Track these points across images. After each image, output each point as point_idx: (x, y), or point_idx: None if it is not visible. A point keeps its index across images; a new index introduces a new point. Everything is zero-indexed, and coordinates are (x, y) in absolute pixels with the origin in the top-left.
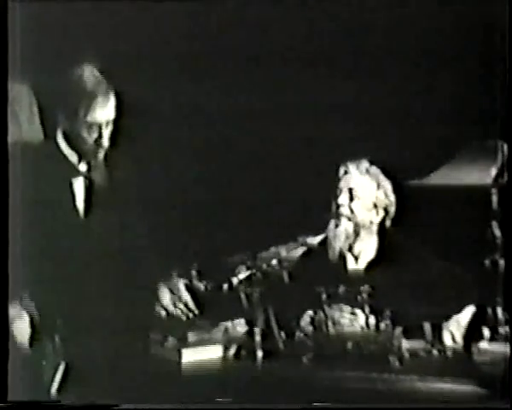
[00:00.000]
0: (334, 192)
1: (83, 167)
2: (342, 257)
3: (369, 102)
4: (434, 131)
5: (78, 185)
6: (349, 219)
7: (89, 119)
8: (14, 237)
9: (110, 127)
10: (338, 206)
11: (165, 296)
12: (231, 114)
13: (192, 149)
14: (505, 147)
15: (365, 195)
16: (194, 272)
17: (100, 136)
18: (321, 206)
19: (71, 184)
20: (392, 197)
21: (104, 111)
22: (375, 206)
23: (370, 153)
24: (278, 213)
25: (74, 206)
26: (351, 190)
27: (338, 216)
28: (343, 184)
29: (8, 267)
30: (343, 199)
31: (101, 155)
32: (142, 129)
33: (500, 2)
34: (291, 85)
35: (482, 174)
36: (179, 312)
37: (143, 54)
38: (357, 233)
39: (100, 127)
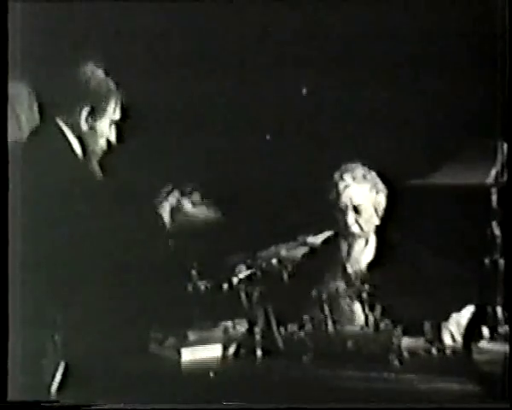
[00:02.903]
0: (329, 196)
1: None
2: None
3: (369, 102)
4: (434, 131)
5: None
6: (360, 236)
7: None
8: (13, 237)
9: (114, 127)
10: (346, 224)
11: None
12: (231, 115)
13: (192, 149)
14: (505, 147)
15: (367, 204)
16: (194, 272)
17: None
18: (322, 205)
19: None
20: (390, 197)
21: (109, 111)
22: (376, 210)
23: (370, 153)
24: (278, 213)
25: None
26: (355, 207)
27: (348, 235)
28: (345, 201)
29: (7, 267)
30: (351, 218)
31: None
32: (146, 128)
33: (500, 3)
34: (291, 86)
35: (482, 174)
36: None
37: (144, 53)
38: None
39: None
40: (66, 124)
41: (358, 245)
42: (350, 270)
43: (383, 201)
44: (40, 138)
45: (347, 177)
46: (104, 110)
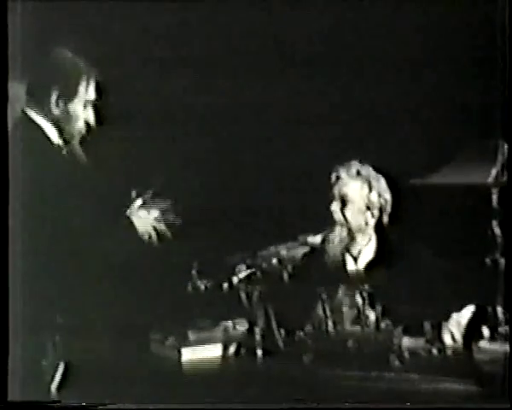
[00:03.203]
0: (328, 196)
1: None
2: (342, 258)
3: (369, 102)
4: (434, 131)
5: None
6: (342, 225)
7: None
8: (13, 236)
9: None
10: (330, 212)
11: None
12: (231, 115)
13: (191, 149)
14: (505, 147)
15: (357, 199)
16: (194, 271)
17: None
18: (322, 205)
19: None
20: (388, 195)
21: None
22: (368, 208)
23: (370, 153)
24: (278, 212)
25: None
26: (342, 197)
27: (331, 222)
28: (335, 191)
29: (8, 265)
30: (335, 206)
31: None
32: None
33: (500, 3)
34: (291, 86)
35: (482, 174)
36: None
37: (143, 54)
38: (352, 237)
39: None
40: (38, 112)
41: (337, 232)
42: (329, 257)
43: (376, 198)
44: (18, 132)
45: (341, 170)
46: (75, 91)
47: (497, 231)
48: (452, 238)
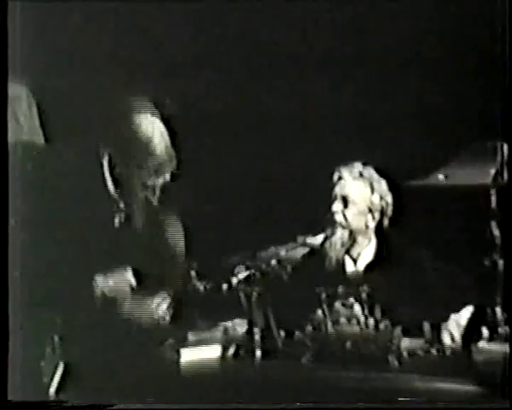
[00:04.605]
0: (330, 196)
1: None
2: (341, 260)
3: (369, 102)
4: (434, 131)
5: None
6: (343, 227)
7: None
8: (13, 236)
9: None
10: (332, 213)
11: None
12: (230, 115)
13: (191, 149)
14: (505, 147)
15: (359, 200)
16: (193, 272)
17: None
18: (321, 206)
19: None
20: (389, 198)
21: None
22: (370, 210)
23: (370, 153)
24: (278, 213)
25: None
26: (344, 197)
27: (332, 224)
28: (337, 191)
29: (7, 267)
30: (336, 206)
31: None
32: None
33: (500, 3)
34: (291, 86)
35: (482, 174)
36: None
37: (143, 53)
38: (353, 239)
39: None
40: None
41: (339, 233)
42: (331, 260)
43: (378, 200)
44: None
45: (343, 170)
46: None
47: (496, 231)
48: (451, 239)
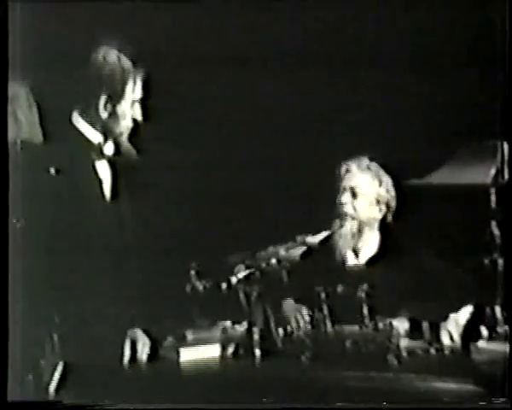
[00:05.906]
0: (334, 191)
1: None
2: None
3: (369, 102)
4: (434, 130)
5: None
6: (353, 218)
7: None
8: (13, 236)
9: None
10: (341, 205)
11: None
12: (230, 115)
13: (190, 149)
14: (505, 146)
15: (367, 192)
16: (192, 271)
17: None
18: (320, 205)
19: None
20: (393, 192)
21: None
22: (378, 202)
23: (370, 152)
24: (277, 213)
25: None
26: (353, 189)
27: (342, 216)
28: (345, 183)
29: (8, 266)
30: (346, 197)
31: None
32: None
33: (500, 3)
34: (291, 85)
35: (482, 174)
36: None
37: (143, 53)
38: (360, 231)
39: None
40: (84, 118)
41: (348, 225)
42: (341, 252)
43: (385, 193)
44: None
45: (351, 164)
46: (122, 92)
47: (496, 231)
48: (451, 238)
